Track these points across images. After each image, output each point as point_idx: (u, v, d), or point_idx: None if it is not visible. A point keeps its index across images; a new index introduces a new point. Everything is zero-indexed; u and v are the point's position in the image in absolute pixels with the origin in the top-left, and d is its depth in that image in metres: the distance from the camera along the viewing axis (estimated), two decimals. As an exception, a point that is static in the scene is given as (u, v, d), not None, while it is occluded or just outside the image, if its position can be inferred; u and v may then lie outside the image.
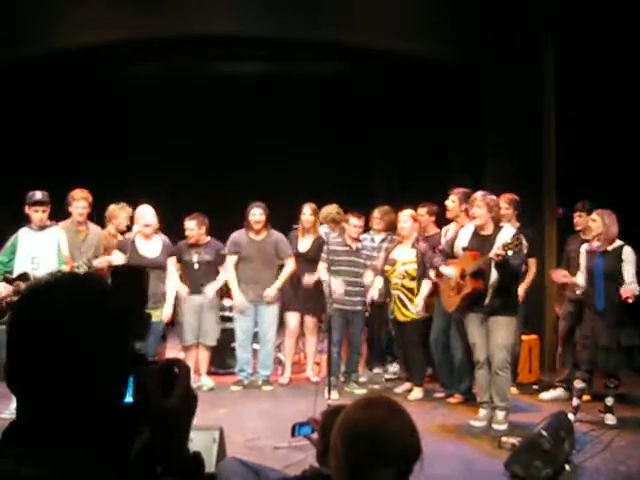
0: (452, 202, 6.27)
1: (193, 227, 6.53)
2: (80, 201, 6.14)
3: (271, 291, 6.59)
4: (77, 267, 5.65)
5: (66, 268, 5.66)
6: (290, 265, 6.71)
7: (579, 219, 6.37)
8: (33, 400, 1.04)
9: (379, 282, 6.56)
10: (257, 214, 6.64)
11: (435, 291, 6.18)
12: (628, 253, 5.42)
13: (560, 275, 5.99)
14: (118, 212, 6.66)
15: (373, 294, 6.60)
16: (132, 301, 1.30)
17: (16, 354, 1.06)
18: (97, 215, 6.67)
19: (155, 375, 1.14)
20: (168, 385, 1.14)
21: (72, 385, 1.03)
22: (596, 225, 5.53)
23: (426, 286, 6.28)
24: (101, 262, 6.04)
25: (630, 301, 5.26)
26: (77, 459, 1.00)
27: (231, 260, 6.66)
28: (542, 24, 7.59)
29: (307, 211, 6.91)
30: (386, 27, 7.35)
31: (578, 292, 5.83)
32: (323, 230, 6.93)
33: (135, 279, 1.39)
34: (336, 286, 6.17)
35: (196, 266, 6.54)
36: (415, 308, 6.27)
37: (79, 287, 1.10)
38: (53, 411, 1.03)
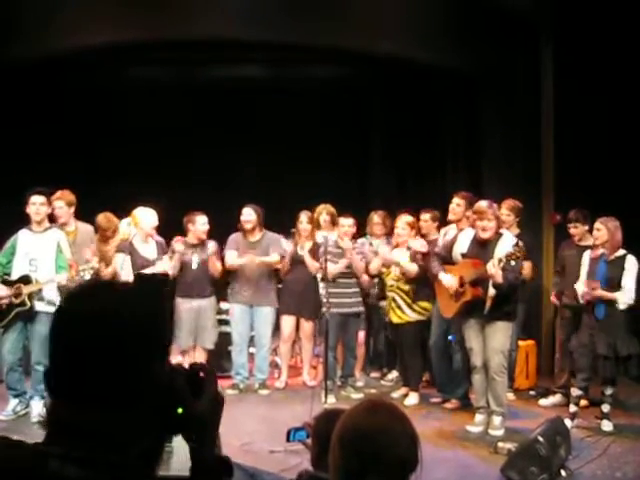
0: (457, 206, 6.22)
1: (205, 222, 6.56)
2: (56, 202, 6.10)
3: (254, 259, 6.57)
4: (82, 271, 5.57)
5: (67, 274, 5.55)
6: (275, 256, 6.69)
7: (575, 230, 6.19)
8: (73, 405, 1.06)
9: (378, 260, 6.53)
10: (246, 213, 6.68)
11: (432, 295, 6.17)
12: (631, 262, 5.43)
13: (588, 292, 5.50)
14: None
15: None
16: (159, 308, 1.29)
17: (58, 362, 1.08)
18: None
19: (185, 380, 1.16)
20: (195, 390, 1.16)
21: (110, 391, 1.05)
22: (601, 234, 5.50)
23: (409, 265, 6.26)
24: (108, 272, 6.10)
25: (586, 299, 5.41)
26: (112, 466, 1.02)
27: (232, 254, 6.67)
28: (541, 27, 7.59)
29: (304, 219, 6.92)
30: (385, 31, 7.35)
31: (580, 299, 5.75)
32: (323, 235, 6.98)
33: (159, 286, 1.38)
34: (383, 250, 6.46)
35: (195, 265, 6.54)
36: (402, 265, 6.25)
37: (115, 294, 1.13)
38: (92, 416, 1.04)
